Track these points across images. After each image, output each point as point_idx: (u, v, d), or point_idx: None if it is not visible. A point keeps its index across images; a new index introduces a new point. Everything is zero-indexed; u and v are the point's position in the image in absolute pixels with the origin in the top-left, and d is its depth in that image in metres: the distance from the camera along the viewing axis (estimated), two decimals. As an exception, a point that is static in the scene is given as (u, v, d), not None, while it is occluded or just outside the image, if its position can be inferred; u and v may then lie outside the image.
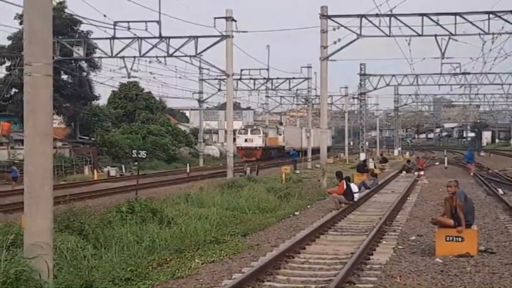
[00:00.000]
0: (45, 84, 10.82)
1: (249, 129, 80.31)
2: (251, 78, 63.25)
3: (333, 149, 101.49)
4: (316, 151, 65.82)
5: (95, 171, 49.72)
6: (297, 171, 51.76)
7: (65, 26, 57.25)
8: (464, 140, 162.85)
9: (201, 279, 12.76)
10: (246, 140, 78.32)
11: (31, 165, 10.90)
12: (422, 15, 36.56)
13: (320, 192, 31.49)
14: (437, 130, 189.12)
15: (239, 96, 78.80)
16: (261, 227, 20.05)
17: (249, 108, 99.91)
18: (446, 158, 62.90)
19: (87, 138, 67.76)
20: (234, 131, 64.72)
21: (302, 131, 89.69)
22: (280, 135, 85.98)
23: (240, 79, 61.89)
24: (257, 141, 78.04)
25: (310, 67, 66.58)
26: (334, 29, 36.87)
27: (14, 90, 58.03)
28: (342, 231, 19.29)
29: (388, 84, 66.88)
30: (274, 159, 77.49)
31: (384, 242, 17.00)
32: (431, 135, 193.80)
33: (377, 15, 36.56)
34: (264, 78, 62.93)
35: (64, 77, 61.67)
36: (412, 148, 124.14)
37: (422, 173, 47.87)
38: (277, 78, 65.77)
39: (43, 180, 10.92)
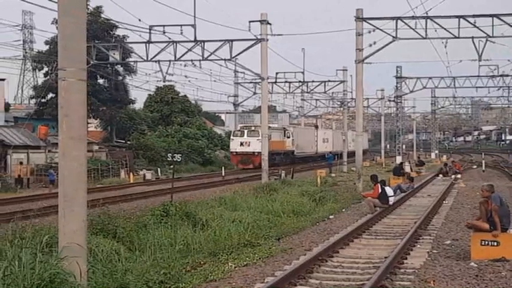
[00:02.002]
0: (79, 89, 10.92)
1: (246, 131, 66.46)
2: (286, 81, 63.20)
3: (369, 152, 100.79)
4: (352, 154, 65.47)
5: (131, 175, 50.09)
6: (333, 175, 51.62)
7: (101, 30, 57.84)
8: (503, 142, 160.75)
9: (234, 282, 12.78)
10: (241, 144, 65.11)
11: (65, 169, 11.00)
12: (458, 17, 36.20)
13: (355, 196, 31.35)
14: (475, 133, 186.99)
15: (274, 100, 79.07)
16: (295, 231, 20.01)
17: (284, 112, 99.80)
18: (483, 161, 62.18)
19: (123, 141, 68.31)
20: (229, 132, 62.70)
21: (318, 132, 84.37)
22: (288, 138, 72.75)
23: (275, 82, 61.85)
24: (255, 145, 62.16)
25: (346, 70, 66.40)
26: (369, 32, 36.73)
27: (50, 94, 58.74)
28: (376, 235, 19.17)
29: (424, 87, 66.29)
30: (278, 166, 62.03)
31: (419, 246, 16.86)
32: (469, 138, 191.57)
33: (413, 17, 36.30)
34: (299, 81, 62.82)
35: (100, 81, 62.29)
36: (450, 151, 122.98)
37: (459, 176, 47.41)
38: (313, 81, 65.61)
39: (77, 183, 11.01)
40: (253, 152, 63.30)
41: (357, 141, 39.81)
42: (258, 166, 59.15)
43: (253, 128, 65.96)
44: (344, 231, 19.26)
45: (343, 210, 26.44)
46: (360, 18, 36.27)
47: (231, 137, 66.64)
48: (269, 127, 68.04)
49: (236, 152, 65.13)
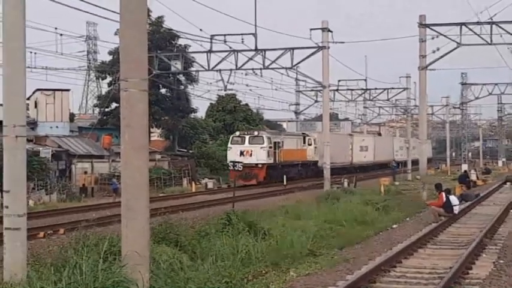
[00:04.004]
0: (140, 99, 11.00)
1: (247, 137, 51.96)
2: (348, 89, 62.94)
3: (433, 160, 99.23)
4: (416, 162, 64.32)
5: (193, 184, 50.37)
6: (396, 183, 50.98)
7: (163, 40, 58.48)
8: None
9: (296, 292, 12.70)
10: (242, 153, 51.00)
11: (128, 179, 11.09)
12: (525, 22, 35.50)
13: (420, 205, 30.88)
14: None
15: (336, 107, 78.50)
16: (357, 240, 19.80)
17: (346, 119, 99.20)
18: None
19: (186, 150, 68.82)
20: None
21: (353, 139, 72.05)
22: (309, 145, 59.89)
23: (337, 90, 61.62)
24: (259, 154, 50.62)
25: (409, 77, 65.62)
26: (432, 38, 36.43)
27: (114, 104, 59.69)
28: (441, 245, 18.85)
29: (490, 93, 65.19)
30: (295, 180, 53.04)
31: (484, 255, 16.50)
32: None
33: (477, 23, 35.74)
34: (362, 89, 62.44)
35: (163, 90, 62.96)
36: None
37: (527, 184, 46.32)
38: (375, 89, 65.21)
39: (139, 193, 11.09)
40: (257, 164, 50.43)
41: (421, 149, 39.32)
42: (262, 182, 50.20)
43: (256, 133, 52.90)
44: (408, 240, 18.99)
45: (407, 219, 26.09)
46: (423, 25, 35.96)
47: (229, 145, 52.57)
48: (280, 131, 61.48)
49: (234, 164, 50.81)
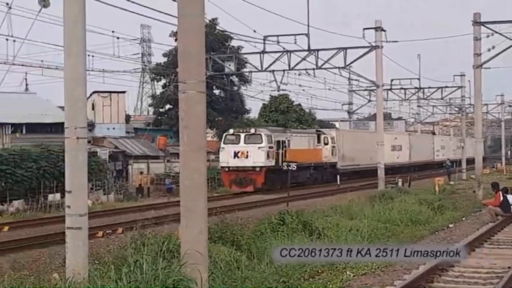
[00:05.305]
0: (198, 100, 11.17)
1: (243, 135, 44.54)
2: (402, 88, 62.41)
3: (489, 159, 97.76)
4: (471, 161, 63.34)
5: (246, 183, 50.46)
6: (451, 182, 50.48)
7: (217, 42, 58.93)
8: None
9: (353, 291, 12.74)
10: (236, 155, 44.00)
11: (186, 180, 11.26)
12: None
13: (475, 204, 30.58)
14: None
15: (390, 107, 77.93)
16: (413, 240, 19.73)
17: (400, 119, 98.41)
18: None
19: (239, 151, 68.99)
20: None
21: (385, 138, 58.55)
22: (325, 144, 53.07)
23: (391, 89, 61.16)
24: (256, 156, 43.51)
25: (464, 75, 64.88)
26: (487, 36, 35.86)
27: (168, 105, 60.40)
28: (499, 244, 18.67)
29: (547, 91, 63.96)
30: (306, 186, 46.97)
31: (545, 255, 16.29)
32: None
33: (534, 19, 35.12)
34: (415, 88, 61.87)
35: (216, 91, 63.47)
36: None
37: None
38: (429, 88, 64.53)
39: (197, 193, 11.25)
40: (254, 167, 43.44)
41: (477, 148, 38.86)
42: (260, 188, 43.31)
43: (253, 131, 44.86)
44: (465, 240, 18.85)
45: (463, 218, 25.88)
46: (477, 23, 35.45)
47: (221, 145, 45.96)
48: (285, 129, 50.73)
49: (228, 168, 44.37)
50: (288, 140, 46.84)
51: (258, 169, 43.15)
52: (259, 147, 43.29)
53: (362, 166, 56.48)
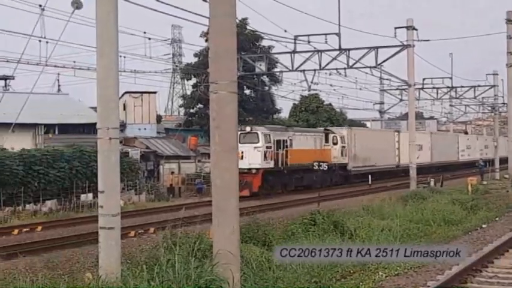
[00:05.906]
0: (230, 101, 11.19)
1: (238, 134, 30.46)
2: (434, 87, 61.94)
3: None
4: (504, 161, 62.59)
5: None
6: (484, 182, 49.96)
7: (248, 42, 58.91)
8: None
9: (386, 292, 12.66)
10: None
11: (218, 179, 11.28)
12: None
13: (509, 204, 30.27)
14: None
15: (421, 106, 77.37)
16: (446, 240, 19.56)
17: (432, 118, 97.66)
18: None
19: (270, 150, 68.91)
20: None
21: (399, 137, 59.25)
22: (334, 144, 49.93)
23: (422, 88, 60.71)
24: (252, 156, 39.90)
25: (497, 74, 64.17)
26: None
27: (199, 105, 60.60)
28: (533, 245, 18.40)
29: None
30: (310, 189, 42.08)
31: None
32: None
33: None
34: (447, 87, 61.37)
35: (247, 91, 63.46)
36: None
37: None
38: (461, 87, 63.97)
39: (229, 193, 11.27)
40: (249, 169, 39.55)
41: (510, 148, 38.47)
42: (257, 192, 39.92)
43: (248, 129, 40.92)
44: (498, 240, 18.64)
45: (497, 218, 25.61)
46: (511, 21, 35.08)
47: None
48: (286, 127, 47.06)
49: None
50: (290, 140, 43.75)
51: (254, 171, 39.79)
52: (255, 147, 39.81)
53: (377, 167, 53.82)
